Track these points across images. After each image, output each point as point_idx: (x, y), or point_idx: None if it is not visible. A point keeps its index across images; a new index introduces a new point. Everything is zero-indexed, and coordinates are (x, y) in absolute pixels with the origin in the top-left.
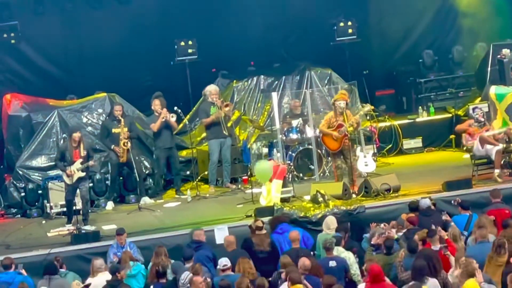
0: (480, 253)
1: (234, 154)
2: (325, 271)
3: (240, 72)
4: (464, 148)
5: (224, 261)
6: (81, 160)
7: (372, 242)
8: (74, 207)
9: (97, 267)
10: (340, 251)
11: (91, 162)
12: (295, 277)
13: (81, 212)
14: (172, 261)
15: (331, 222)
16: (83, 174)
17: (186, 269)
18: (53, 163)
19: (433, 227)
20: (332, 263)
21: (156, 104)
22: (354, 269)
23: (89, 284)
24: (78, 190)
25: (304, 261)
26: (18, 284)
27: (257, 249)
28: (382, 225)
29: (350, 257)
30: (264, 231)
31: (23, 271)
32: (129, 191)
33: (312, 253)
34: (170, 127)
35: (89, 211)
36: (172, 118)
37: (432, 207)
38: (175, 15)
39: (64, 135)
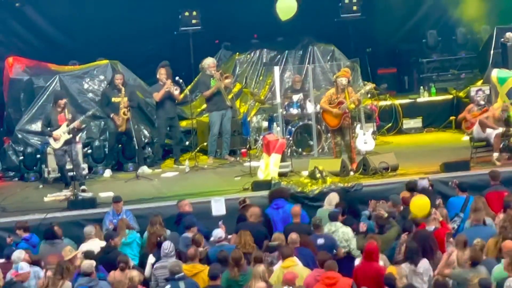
0: (475, 236)
1: (233, 127)
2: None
3: (243, 45)
4: (464, 132)
5: (219, 233)
6: (66, 123)
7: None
8: (70, 173)
9: (87, 233)
10: (338, 226)
11: (76, 123)
12: (286, 251)
13: (74, 176)
14: (168, 231)
15: (333, 198)
16: (70, 136)
17: (183, 239)
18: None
19: None
20: (320, 241)
21: (161, 73)
22: (353, 244)
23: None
24: (69, 156)
25: (291, 236)
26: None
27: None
28: (381, 202)
29: (348, 232)
30: (248, 203)
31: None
32: (127, 159)
33: None
34: (173, 97)
35: (83, 174)
36: (176, 91)
37: (430, 188)
38: None
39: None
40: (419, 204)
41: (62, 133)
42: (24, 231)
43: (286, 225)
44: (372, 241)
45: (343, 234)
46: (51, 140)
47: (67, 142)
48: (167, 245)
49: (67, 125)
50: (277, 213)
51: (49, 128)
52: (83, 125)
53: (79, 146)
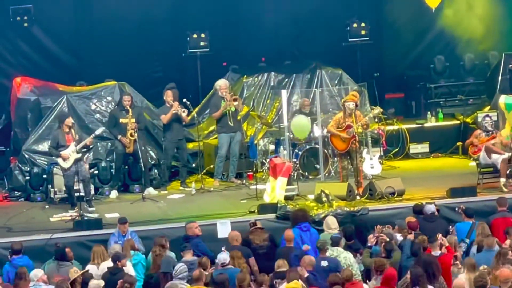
0: (486, 261)
1: (240, 150)
2: (317, 270)
3: (250, 68)
4: (471, 158)
5: (222, 258)
6: (74, 143)
7: (368, 244)
8: (77, 194)
9: (98, 254)
10: (340, 251)
11: (89, 139)
12: (291, 276)
13: (84, 193)
14: (172, 253)
15: (331, 222)
16: (79, 155)
17: (178, 262)
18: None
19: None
20: (324, 263)
21: (168, 95)
22: (355, 269)
23: (87, 270)
24: (77, 175)
25: (307, 258)
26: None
27: (255, 246)
28: (386, 227)
29: (350, 257)
30: (259, 227)
31: None
32: (133, 181)
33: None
34: (180, 119)
35: (91, 192)
36: (184, 113)
37: (436, 213)
38: (189, 7)
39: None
40: None
41: (71, 153)
42: (14, 253)
43: (278, 248)
44: (392, 268)
45: (345, 260)
46: (59, 160)
47: (77, 161)
48: (178, 267)
49: (75, 145)
50: (305, 234)
51: (59, 149)
52: (92, 145)
53: (86, 167)
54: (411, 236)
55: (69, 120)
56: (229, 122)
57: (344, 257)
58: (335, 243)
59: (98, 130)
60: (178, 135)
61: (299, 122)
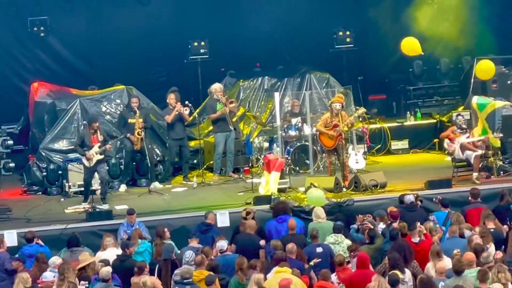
0: (452, 247)
1: (237, 147)
2: (313, 256)
3: (246, 72)
4: (446, 152)
5: (221, 245)
6: (99, 144)
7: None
8: (90, 188)
9: (106, 242)
10: (343, 238)
11: (108, 146)
12: (279, 256)
13: (100, 191)
14: (171, 242)
15: (320, 213)
16: (101, 156)
17: (186, 249)
18: (73, 146)
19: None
20: (319, 249)
21: (171, 98)
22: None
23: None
24: (96, 173)
25: (288, 246)
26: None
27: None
28: (367, 216)
29: (350, 243)
30: (250, 219)
31: (40, 241)
32: (140, 176)
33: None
34: (183, 119)
35: (107, 191)
36: (186, 111)
37: (419, 203)
38: (190, 17)
39: (85, 121)
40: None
41: (94, 153)
42: (27, 241)
43: (282, 236)
44: (362, 252)
45: (346, 246)
46: (83, 159)
47: (98, 162)
48: (189, 254)
49: (99, 147)
50: (281, 226)
51: (83, 148)
52: (111, 147)
53: (105, 169)
54: (396, 225)
55: (95, 124)
56: (225, 123)
57: (347, 243)
58: (337, 230)
59: (119, 137)
60: (180, 134)
61: (316, 195)
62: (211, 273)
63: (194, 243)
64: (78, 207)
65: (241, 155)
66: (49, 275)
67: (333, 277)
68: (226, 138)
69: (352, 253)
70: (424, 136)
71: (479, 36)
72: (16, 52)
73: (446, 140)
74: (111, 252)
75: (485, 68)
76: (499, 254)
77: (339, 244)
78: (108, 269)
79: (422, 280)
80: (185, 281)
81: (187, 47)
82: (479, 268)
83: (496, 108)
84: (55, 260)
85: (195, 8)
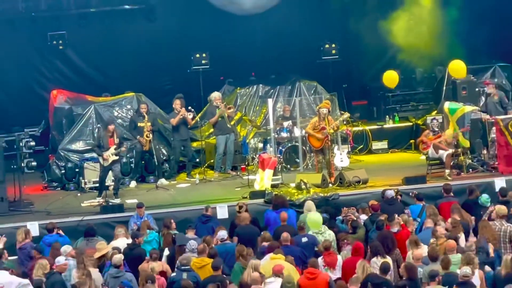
0: (427, 237)
1: (235, 147)
2: (299, 245)
3: (243, 81)
4: (421, 153)
5: (221, 235)
6: (115, 146)
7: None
8: (104, 184)
9: (117, 233)
10: (325, 229)
11: (123, 148)
12: (273, 245)
13: (113, 187)
14: (176, 232)
15: (311, 206)
16: (117, 157)
17: (190, 238)
18: (89, 147)
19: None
20: (305, 239)
21: (176, 103)
22: (333, 244)
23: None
24: (110, 171)
25: (283, 235)
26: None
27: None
28: (350, 208)
29: (332, 234)
30: (243, 212)
31: (61, 232)
32: (149, 173)
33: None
34: (186, 122)
35: (119, 187)
36: (189, 116)
37: (399, 197)
38: (192, 32)
39: (99, 125)
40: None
41: (110, 154)
42: (48, 231)
43: (276, 227)
44: (358, 241)
45: (329, 236)
46: (100, 159)
47: (114, 162)
48: (194, 243)
49: (115, 148)
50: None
51: (101, 149)
52: (126, 149)
53: (119, 168)
54: (382, 217)
55: (111, 127)
56: (225, 126)
57: (329, 234)
58: (324, 222)
59: (131, 141)
60: (184, 136)
61: (314, 218)
62: (213, 259)
63: (191, 233)
64: (93, 201)
65: (238, 155)
66: (61, 259)
67: (319, 260)
68: (226, 140)
69: (343, 242)
70: (401, 137)
71: (450, 48)
72: (37, 63)
73: (421, 144)
74: (122, 241)
75: (456, 68)
76: (471, 242)
77: (322, 234)
78: (120, 256)
79: (407, 266)
80: (183, 267)
81: (190, 58)
82: (461, 254)
83: (466, 113)
84: (66, 248)
85: (197, 24)
